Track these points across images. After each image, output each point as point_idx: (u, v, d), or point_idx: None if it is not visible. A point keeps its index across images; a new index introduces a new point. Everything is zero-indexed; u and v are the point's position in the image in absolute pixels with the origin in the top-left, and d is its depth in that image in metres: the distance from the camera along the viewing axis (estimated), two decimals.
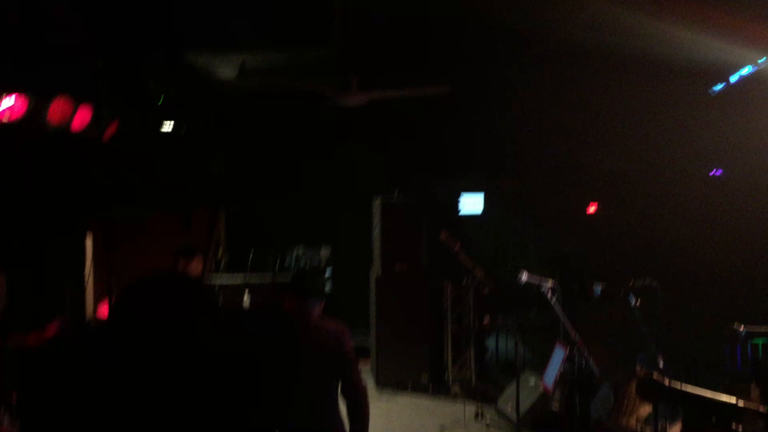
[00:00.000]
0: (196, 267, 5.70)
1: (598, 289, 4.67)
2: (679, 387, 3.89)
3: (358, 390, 3.82)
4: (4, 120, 5.02)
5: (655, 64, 6.28)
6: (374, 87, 6.46)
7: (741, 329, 4.80)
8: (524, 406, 6.40)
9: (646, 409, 5.26)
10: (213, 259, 9.43)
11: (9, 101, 5.07)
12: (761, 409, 3.88)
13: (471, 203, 9.65)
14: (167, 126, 6.99)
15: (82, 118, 5.93)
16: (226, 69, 6.87)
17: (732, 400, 3.88)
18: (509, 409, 6.63)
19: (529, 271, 4.84)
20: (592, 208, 10.59)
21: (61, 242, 6.72)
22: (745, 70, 6.48)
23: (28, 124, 5.23)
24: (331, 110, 6.99)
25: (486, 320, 7.66)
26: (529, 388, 6.63)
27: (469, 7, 5.63)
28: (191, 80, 6.96)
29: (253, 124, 8.11)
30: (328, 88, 6.49)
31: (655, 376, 4.15)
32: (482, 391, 7.75)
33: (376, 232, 8.49)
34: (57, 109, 5.59)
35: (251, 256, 10.34)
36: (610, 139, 8.18)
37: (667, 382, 3.98)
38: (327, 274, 11.27)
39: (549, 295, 4.78)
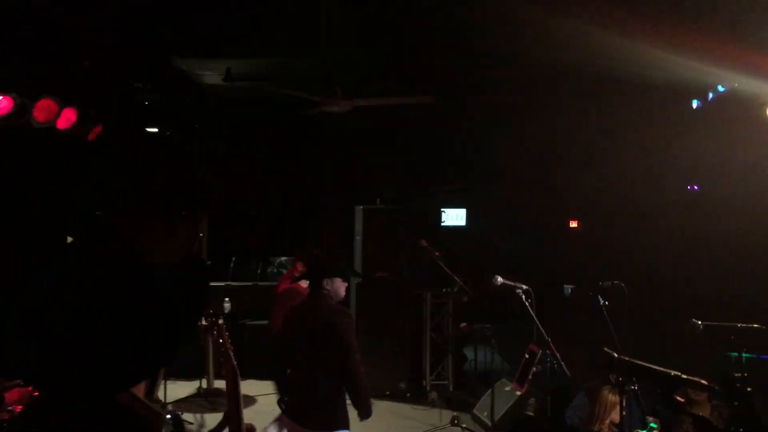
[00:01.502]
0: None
1: (568, 289, 4.80)
2: (627, 359, 4.17)
3: (353, 375, 4.12)
4: None
5: (635, 83, 6.46)
6: (358, 95, 6.58)
7: (699, 324, 5.00)
8: (500, 412, 6.48)
9: (617, 415, 5.37)
10: None
11: None
12: (704, 381, 4.18)
13: (454, 216, 9.76)
14: (152, 129, 7.07)
15: (67, 118, 6.01)
16: (212, 74, 6.95)
17: (677, 372, 4.11)
18: (485, 414, 6.71)
19: (503, 276, 4.97)
20: (573, 224, 10.75)
21: (44, 243, 6.75)
22: (720, 89, 6.68)
23: (15, 121, 5.30)
24: (315, 117, 7.10)
25: (463, 325, 7.74)
26: (504, 394, 6.71)
27: (451, 27, 5.80)
28: (177, 84, 7.04)
29: (237, 129, 8.19)
30: (312, 95, 6.59)
31: (607, 349, 4.35)
32: (459, 398, 7.83)
33: (358, 240, 8.58)
34: (43, 109, 5.67)
35: (233, 263, 10.39)
36: (592, 155, 8.35)
37: (616, 354, 4.24)
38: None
39: (523, 298, 4.89)
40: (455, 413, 7.16)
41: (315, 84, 6.62)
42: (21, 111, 5.36)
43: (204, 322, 2.54)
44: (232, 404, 2.10)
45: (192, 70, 6.87)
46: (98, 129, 6.49)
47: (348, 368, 4.14)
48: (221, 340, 2.37)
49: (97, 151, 6.75)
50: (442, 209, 9.63)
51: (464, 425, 7.00)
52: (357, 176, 8.86)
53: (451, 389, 8.28)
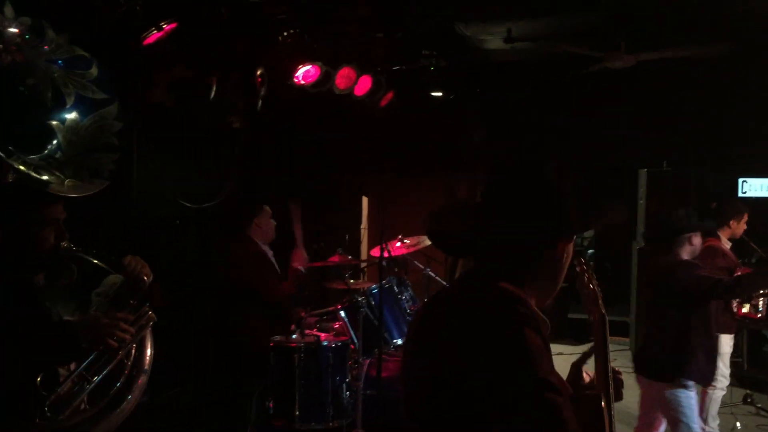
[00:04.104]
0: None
1: None
2: None
3: None
4: (301, 83, 5.79)
5: None
6: (643, 48, 6.25)
7: None
8: None
9: None
10: None
11: (305, 68, 5.83)
12: None
13: (758, 186, 8.70)
14: (436, 93, 7.46)
15: (363, 85, 6.60)
16: (493, 38, 7.11)
17: None
18: None
19: None
20: None
21: (342, 199, 7.59)
22: None
23: (319, 88, 5.97)
24: (597, 74, 6.89)
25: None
26: None
27: None
28: (460, 50, 7.31)
29: (516, 92, 8.26)
30: (594, 51, 6.42)
31: None
32: (754, 377, 7.17)
33: (641, 204, 8.20)
34: (343, 77, 6.30)
35: None
36: None
37: None
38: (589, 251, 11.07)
39: None
40: (748, 392, 6.58)
41: (597, 40, 6.42)
42: (325, 78, 6.02)
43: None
44: (601, 352, 2.00)
45: (474, 35, 7.09)
46: (390, 95, 7.03)
47: None
48: (591, 286, 2.17)
49: (387, 117, 7.33)
50: (743, 179, 8.64)
51: (759, 405, 6.41)
52: (641, 137, 8.40)
53: (745, 367, 7.59)
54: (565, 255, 1.66)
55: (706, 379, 4.28)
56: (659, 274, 4.20)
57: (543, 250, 1.62)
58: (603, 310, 2.04)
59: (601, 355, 1.89)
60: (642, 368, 4.32)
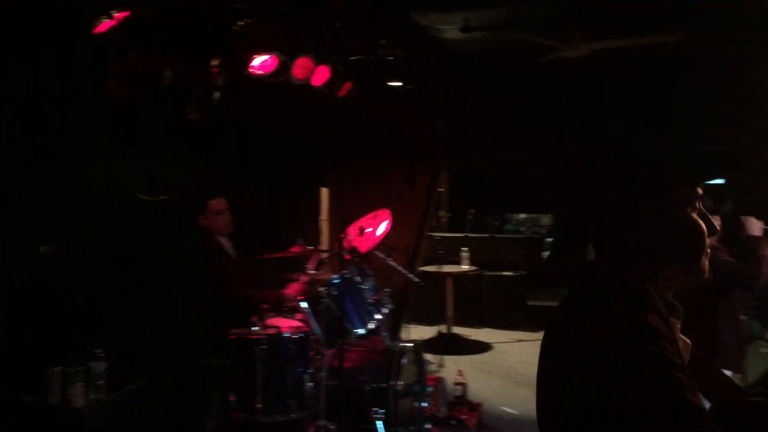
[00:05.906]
0: None
1: None
2: None
3: None
4: (258, 73, 5.73)
5: None
6: (599, 37, 6.33)
7: None
8: (753, 375, 6.00)
9: None
10: (433, 216, 9.86)
11: (262, 58, 5.77)
12: None
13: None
14: (395, 83, 7.46)
15: (321, 75, 6.55)
16: (450, 28, 7.13)
17: None
18: (738, 377, 6.23)
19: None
20: None
21: (301, 190, 7.53)
22: None
23: (277, 78, 5.91)
24: (551, 65, 6.96)
25: None
26: (760, 356, 6.18)
27: None
28: (418, 40, 7.32)
29: (473, 82, 8.31)
30: (550, 40, 6.48)
31: None
32: None
33: None
34: (301, 67, 6.24)
35: (470, 217, 10.68)
36: None
37: None
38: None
39: None
40: None
41: (553, 29, 6.49)
42: (283, 69, 5.96)
43: None
44: None
45: (432, 24, 7.09)
46: (348, 85, 6.99)
47: None
48: None
49: (346, 107, 7.30)
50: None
51: None
52: (598, 128, 8.52)
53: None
54: (686, 210, 1.44)
55: (735, 366, 4.28)
56: None
57: (655, 208, 1.42)
58: None
59: None
60: None
